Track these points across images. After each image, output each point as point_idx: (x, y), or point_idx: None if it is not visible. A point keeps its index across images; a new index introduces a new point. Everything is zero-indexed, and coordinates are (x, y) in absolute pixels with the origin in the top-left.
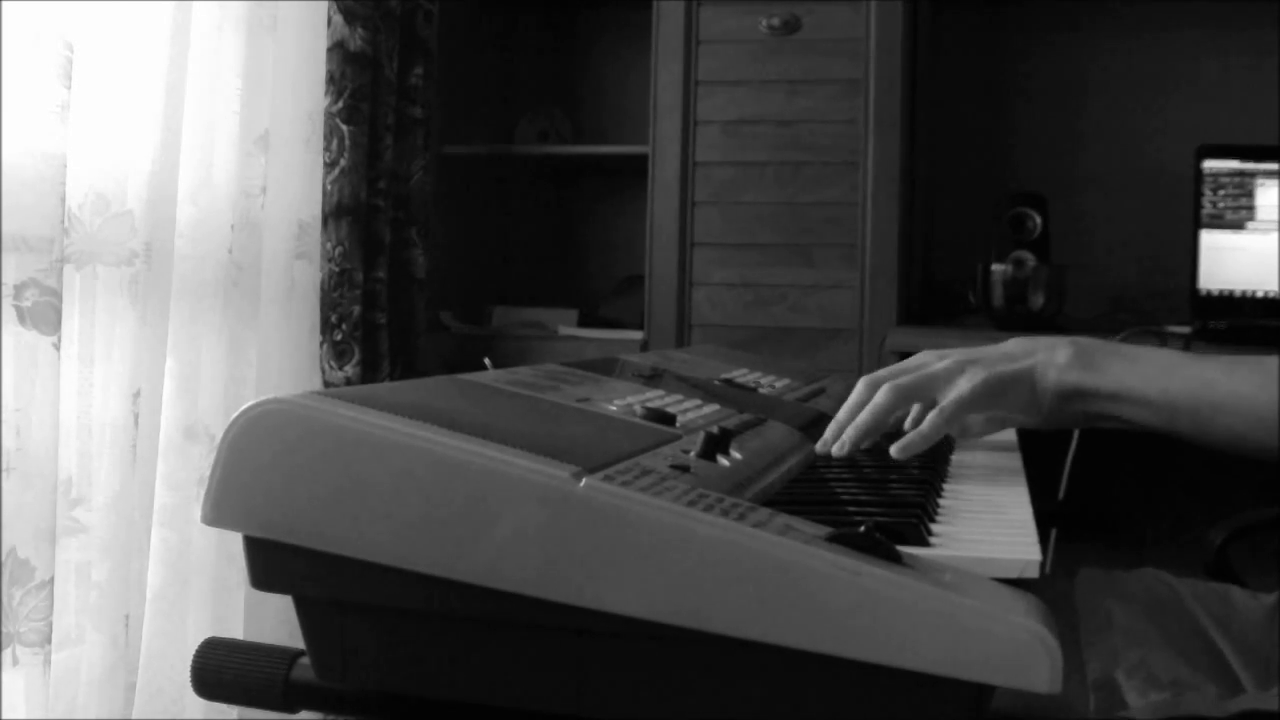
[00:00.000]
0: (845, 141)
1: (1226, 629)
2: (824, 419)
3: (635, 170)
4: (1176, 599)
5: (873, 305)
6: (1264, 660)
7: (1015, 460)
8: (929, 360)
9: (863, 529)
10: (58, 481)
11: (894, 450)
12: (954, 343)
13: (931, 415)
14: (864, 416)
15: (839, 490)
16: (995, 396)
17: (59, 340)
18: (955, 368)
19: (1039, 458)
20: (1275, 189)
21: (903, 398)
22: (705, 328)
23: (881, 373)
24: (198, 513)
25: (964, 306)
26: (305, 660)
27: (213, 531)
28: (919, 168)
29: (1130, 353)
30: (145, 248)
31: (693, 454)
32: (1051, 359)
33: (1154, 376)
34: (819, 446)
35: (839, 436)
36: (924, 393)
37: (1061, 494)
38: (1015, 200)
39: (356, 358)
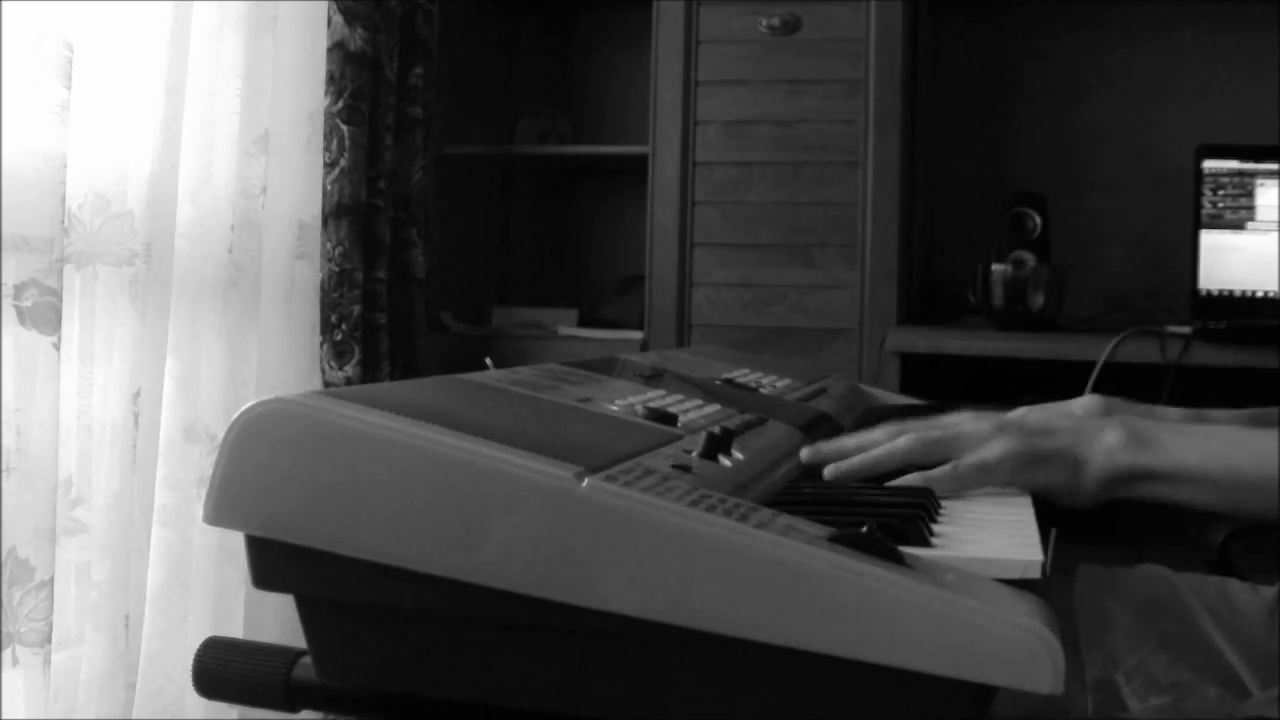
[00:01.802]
0: (845, 141)
1: (1226, 626)
2: (825, 419)
3: (635, 170)
4: (1176, 596)
5: (873, 305)
6: (1265, 658)
7: None
8: (964, 420)
9: (864, 529)
10: (58, 481)
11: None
12: (954, 342)
13: (945, 469)
14: (875, 454)
15: (841, 490)
16: (1024, 470)
17: (59, 340)
18: (988, 431)
19: None
20: (1275, 189)
21: (924, 451)
22: (705, 328)
23: (912, 424)
24: (198, 513)
25: (964, 306)
26: (306, 660)
27: (213, 531)
28: (919, 168)
29: (1184, 429)
30: (145, 248)
31: (694, 454)
32: (1098, 441)
33: (1216, 453)
34: (808, 454)
35: (837, 458)
36: (949, 450)
37: None
38: (1015, 200)
39: (356, 358)
